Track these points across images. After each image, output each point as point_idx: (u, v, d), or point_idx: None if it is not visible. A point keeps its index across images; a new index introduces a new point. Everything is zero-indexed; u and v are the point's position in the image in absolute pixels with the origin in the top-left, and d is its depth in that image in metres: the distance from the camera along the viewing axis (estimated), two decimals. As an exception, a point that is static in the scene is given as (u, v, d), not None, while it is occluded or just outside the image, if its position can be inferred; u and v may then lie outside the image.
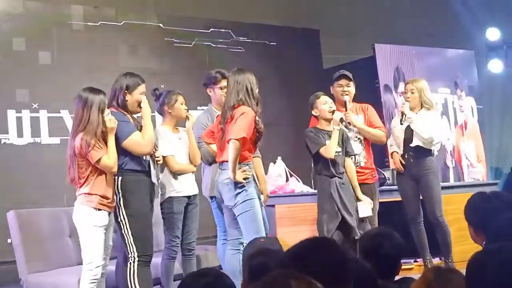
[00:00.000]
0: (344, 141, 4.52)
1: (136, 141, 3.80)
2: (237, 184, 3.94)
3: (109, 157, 3.64)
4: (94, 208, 3.64)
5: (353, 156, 4.65)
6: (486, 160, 7.67)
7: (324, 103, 4.47)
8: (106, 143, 3.69)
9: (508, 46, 8.41)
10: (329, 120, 4.49)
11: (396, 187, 5.40)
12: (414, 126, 4.95)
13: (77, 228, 3.71)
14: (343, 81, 4.76)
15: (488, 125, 7.83)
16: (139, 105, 3.92)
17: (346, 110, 4.72)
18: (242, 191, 3.95)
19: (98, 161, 3.61)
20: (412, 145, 4.97)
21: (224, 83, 4.43)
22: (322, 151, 4.37)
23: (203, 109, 4.97)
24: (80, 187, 3.67)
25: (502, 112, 8.61)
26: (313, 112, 4.53)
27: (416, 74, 7.05)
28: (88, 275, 3.64)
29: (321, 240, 2.08)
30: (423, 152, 4.97)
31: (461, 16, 7.91)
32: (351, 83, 4.78)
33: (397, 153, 5.03)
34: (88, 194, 3.64)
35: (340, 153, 4.48)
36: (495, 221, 2.55)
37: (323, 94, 4.55)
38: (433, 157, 5.06)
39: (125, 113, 3.89)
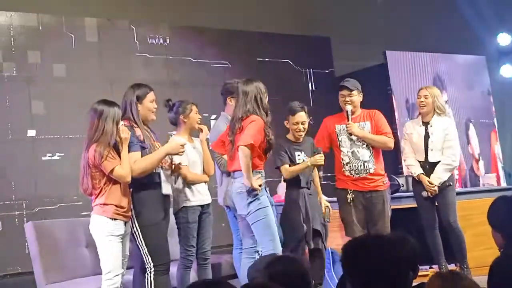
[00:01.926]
0: (314, 153, 4.57)
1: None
2: (249, 193, 3.98)
3: (122, 167, 3.69)
4: (110, 217, 3.69)
5: (362, 162, 4.69)
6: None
7: (295, 124, 4.53)
8: (119, 153, 3.74)
9: (520, 51, 8.42)
10: (296, 137, 4.57)
11: (409, 193, 5.43)
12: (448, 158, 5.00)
13: (94, 238, 3.77)
14: (344, 92, 4.80)
15: (501, 130, 7.81)
16: (152, 112, 3.99)
17: (348, 120, 4.77)
18: (254, 199, 3.99)
19: (112, 171, 3.66)
20: (431, 160, 5.01)
21: None
22: (282, 170, 4.49)
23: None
24: (96, 198, 3.73)
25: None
26: (285, 122, 4.61)
27: (428, 81, 7.07)
28: (108, 284, 3.68)
29: (376, 237, 2.06)
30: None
31: (472, 22, 7.91)
32: (354, 92, 4.79)
33: (423, 174, 4.98)
34: (104, 204, 3.69)
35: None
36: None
37: (301, 111, 4.55)
38: None
39: (137, 126, 3.93)
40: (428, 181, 4.95)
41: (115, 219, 3.70)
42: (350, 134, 4.74)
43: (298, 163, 4.50)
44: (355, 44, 7.12)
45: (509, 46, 8.46)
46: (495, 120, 7.68)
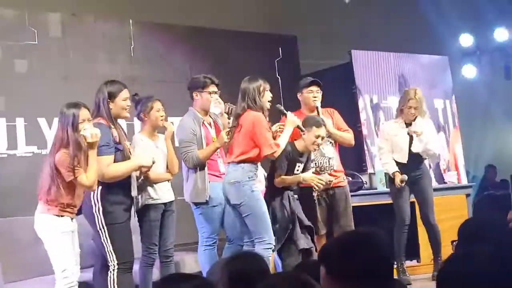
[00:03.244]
0: (308, 160, 4.58)
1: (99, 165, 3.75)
2: (243, 184, 4.12)
3: (87, 176, 3.62)
4: (57, 215, 3.63)
5: (327, 159, 4.73)
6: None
7: (316, 137, 4.42)
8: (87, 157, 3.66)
9: (481, 52, 8.59)
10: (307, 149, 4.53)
11: (372, 191, 5.59)
12: (428, 144, 5.16)
13: (42, 237, 3.69)
14: (314, 87, 4.84)
15: (462, 129, 7.96)
16: (124, 110, 3.97)
17: (318, 116, 4.80)
18: (248, 191, 4.13)
19: (75, 179, 3.60)
20: (413, 150, 5.14)
21: (212, 88, 4.49)
22: (278, 177, 4.40)
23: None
24: (45, 196, 3.63)
25: (476, 115, 8.78)
26: (302, 133, 4.48)
27: (392, 80, 7.17)
28: (65, 283, 3.63)
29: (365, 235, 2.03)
30: (419, 157, 5.21)
31: (435, 22, 8.04)
32: (319, 89, 4.86)
33: (399, 173, 5.09)
34: (50, 203, 3.62)
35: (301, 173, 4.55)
36: (465, 224, 2.59)
37: (324, 126, 4.51)
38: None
39: (113, 126, 3.88)
40: (398, 172, 5.06)
41: (62, 216, 3.64)
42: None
43: (296, 174, 4.48)
44: (320, 43, 7.16)
45: (470, 46, 8.64)
46: (456, 119, 7.81)
